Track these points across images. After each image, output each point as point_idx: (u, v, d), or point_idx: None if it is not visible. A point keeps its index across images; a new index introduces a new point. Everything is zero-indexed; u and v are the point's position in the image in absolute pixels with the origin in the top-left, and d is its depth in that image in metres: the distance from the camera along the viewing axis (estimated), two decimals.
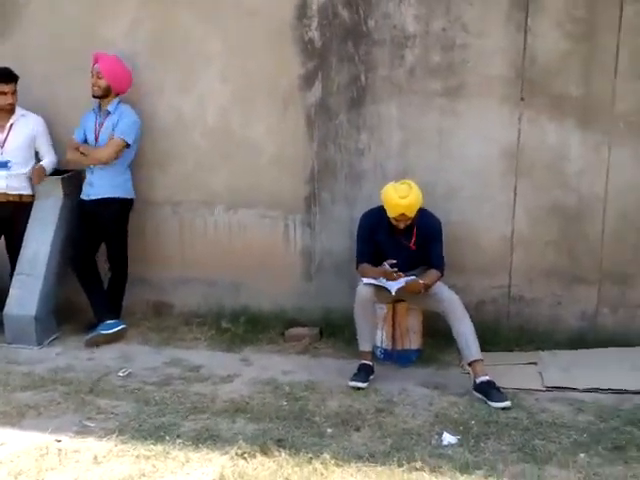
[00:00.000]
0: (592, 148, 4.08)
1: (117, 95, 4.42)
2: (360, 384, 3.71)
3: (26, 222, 4.47)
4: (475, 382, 3.60)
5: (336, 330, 4.39)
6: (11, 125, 4.47)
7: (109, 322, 4.37)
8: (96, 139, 4.42)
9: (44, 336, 4.35)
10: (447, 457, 3.01)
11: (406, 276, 3.79)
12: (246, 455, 2.99)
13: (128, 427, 3.25)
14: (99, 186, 4.42)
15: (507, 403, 3.46)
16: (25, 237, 4.44)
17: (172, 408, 3.46)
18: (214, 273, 4.65)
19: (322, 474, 2.87)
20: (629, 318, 4.13)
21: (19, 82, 4.48)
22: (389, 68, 4.26)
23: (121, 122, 4.37)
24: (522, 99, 4.11)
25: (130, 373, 3.90)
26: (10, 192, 4.46)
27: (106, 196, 4.42)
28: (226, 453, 3.02)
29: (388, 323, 4.08)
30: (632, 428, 3.22)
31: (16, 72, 4.47)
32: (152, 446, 3.07)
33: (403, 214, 3.71)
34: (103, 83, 4.33)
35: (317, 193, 4.50)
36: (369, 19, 4.26)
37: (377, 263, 3.86)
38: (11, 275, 4.52)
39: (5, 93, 4.39)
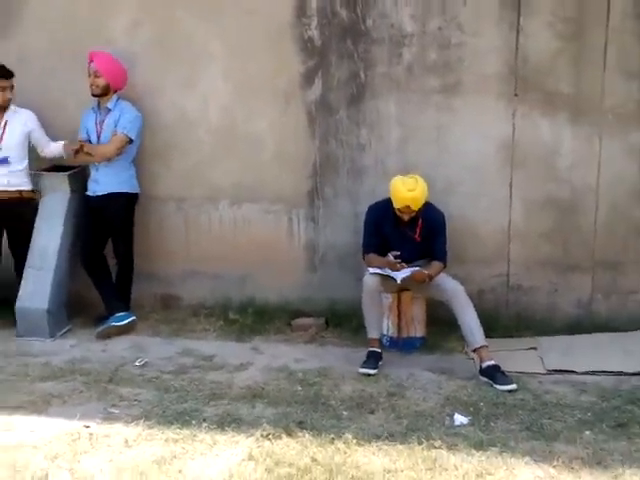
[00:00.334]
0: (584, 142, 4.28)
1: (115, 92, 4.50)
2: (370, 371, 3.86)
3: (27, 217, 4.53)
4: (481, 367, 3.77)
5: (341, 320, 4.54)
6: (6, 122, 4.51)
7: (120, 314, 4.46)
8: (98, 137, 4.50)
9: (56, 329, 4.43)
10: (461, 436, 3.18)
11: (410, 267, 3.95)
12: (271, 437, 3.13)
13: (153, 413, 3.37)
14: (105, 182, 4.51)
15: (513, 386, 3.64)
16: (34, 232, 4.51)
17: (192, 395, 3.59)
18: (220, 267, 4.75)
19: (345, 453, 3.02)
20: (621, 304, 4.35)
21: (22, 79, 4.53)
22: (387, 66, 4.41)
23: (123, 118, 4.45)
24: (516, 95, 4.29)
25: (146, 363, 4.01)
26: (10, 188, 4.52)
27: (112, 191, 4.50)
28: (251, 435, 3.15)
29: (393, 312, 4.24)
30: (633, 407, 3.42)
31: (18, 70, 4.52)
32: (179, 430, 3.19)
33: (408, 206, 3.88)
34: (101, 82, 4.40)
35: (320, 188, 4.63)
36: (367, 18, 4.41)
37: (383, 254, 4.01)
38: (16, 270, 4.58)
39: (4, 89, 4.44)
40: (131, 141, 4.48)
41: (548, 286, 4.41)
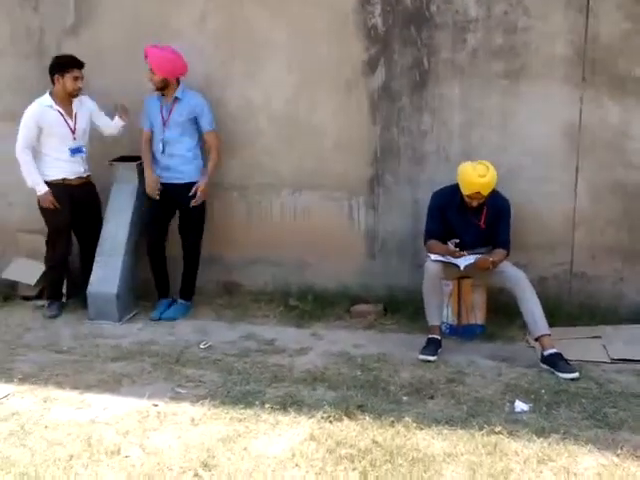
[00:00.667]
0: None
1: (178, 80, 4.57)
2: (430, 357, 3.87)
3: (94, 201, 4.75)
4: (543, 354, 3.74)
5: (400, 306, 4.57)
6: (75, 112, 4.65)
7: (182, 302, 4.66)
8: (164, 124, 4.58)
9: (124, 313, 4.61)
10: (522, 422, 3.17)
11: (472, 254, 3.94)
12: (331, 419, 3.19)
13: (217, 393, 3.48)
14: (184, 171, 4.61)
15: (576, 374, 3.60)
16: (104, 220, 4.70)
17: (255, 377, 3.68)
18: (280, 253, 4.84)
19: (405, 436, 3.05)
20: None
21: (94, 76, 4.69)
22: (451, 51, 4.39)
23: (203, 115, 4.55)
24: (584, 79, 4.20)
25: (210, 346, 4.13)
26: (85, 174, 4.71)
27: (192, 180, 4.61)
28: (312, 417, 3.22)
29: (454, 299, 4.24)
30: None
31: (90, 66, 4.68)
32: (243, 410, 3.29)
33: (478, 192, 3.86)
34: (157, 78, 4.48)
35: (380, 175, 4.65)
36: (431, 4, 4.38)
37: (445, 240, 4.01)
38: (82, 256, 4.79)
39: (77, 78, 4.55)
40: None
41: (613, 274, 4.32)
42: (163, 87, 4.52)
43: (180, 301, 4.73)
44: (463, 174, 3.91)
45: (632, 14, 4.07)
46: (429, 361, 3.86)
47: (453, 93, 4.41)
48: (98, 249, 4.66)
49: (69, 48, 4.87)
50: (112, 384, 3.62)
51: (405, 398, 3.44)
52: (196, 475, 2.82)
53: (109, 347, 4.12)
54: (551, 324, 3.86)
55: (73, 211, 4.65)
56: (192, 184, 4.59)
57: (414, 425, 3.12)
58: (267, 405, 3.33)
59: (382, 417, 3.20)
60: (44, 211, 4.59)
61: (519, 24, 4.25)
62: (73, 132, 4.61)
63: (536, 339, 3.81)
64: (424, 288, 3.98)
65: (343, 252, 4.76)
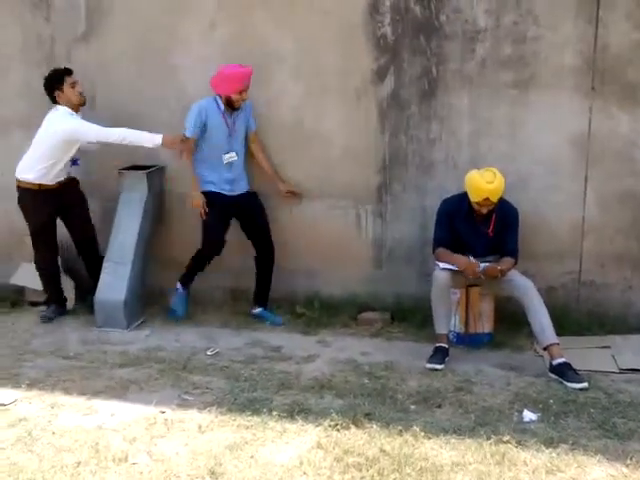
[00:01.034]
0: None
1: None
2: (437, 366, 3.86)
3: (77, 200, 4.77)
4: (551, 364, 3.72)
5: (407, 315, 4.57)
6: None
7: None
8: (230, 135, 4.54)
9: (132, 320, 4.61)
10: (531, 432, 3.15)
11: (481, 262, 3.94)
12: (339, 427, 3.18)
13: (224, 400, 3.48)
14: (245, 180, 4.67)
15: (585, 384, 3.58)
16: (114, 228, 4.71)
17: (262, 384, 3.68)
18: (287, 261, 4.83)
19: (413, 445, 3.04)
20: None
21: (103, 83, 4.71)
22: (460, 61, 4.40)
23: (251, 115, 4.62)
24: (593, 89, 4.20)
25: (217, 352, 4.13)
26: (64, 178, 4.68)
27: (248, 189, 4.68)
28: (320, 425, 3.21)
29: (461, 308, 4.23)
30: None
31: (100, 74, 4.73)
32: (250, 417, 3.28)
33: (487, 199, 3.86)
34: (245, 96, 4.45)
35: (388, 183, 4.66)
36: (440, 14, 4.40)
37: (454, 248, 4.00)
38: (85, 262, 4.85)
39: (77, 82, 4.56)
40: None
41: (622, 283, 4.31)
42: (229, 105, 4.50)
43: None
44: (471, 181, 3.92)
45: None
46: (436, 370, 3.85)
47: (462, 102, 4.42)
48: (107, 256, 4.67)
49: (79, 56, 4.92)
50: (119, 390, 3.62)
51: (413, 407, 3.43)
52: None
53: (116, 353, 4.13)
54: (559, 333, 3.84)
55: (54, 213, 4.66)
56: (253, 192, 4.69)
57: (422, 434, 3.11)
58: (274, 413, 3.32)
59: (390, 426, 3.19)
60: (24, 210, 4.62)
61: (528, 34, 4.26)
62: None
63: (544, 348, 3.80)
64: (432, 296, 3.98)
65: (350, 260, 4.76)
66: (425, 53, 4.45)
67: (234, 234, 4.79)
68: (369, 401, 3.47)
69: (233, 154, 4.58)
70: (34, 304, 4.94)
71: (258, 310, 4.72)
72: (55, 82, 4.52)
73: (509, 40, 4.29)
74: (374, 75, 4.55)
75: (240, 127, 4.59)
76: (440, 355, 3.92)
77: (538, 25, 4.24)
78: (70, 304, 4.91)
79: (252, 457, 2.98)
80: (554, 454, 2.96)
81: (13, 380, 3.75)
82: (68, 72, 4.55)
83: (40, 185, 4.56)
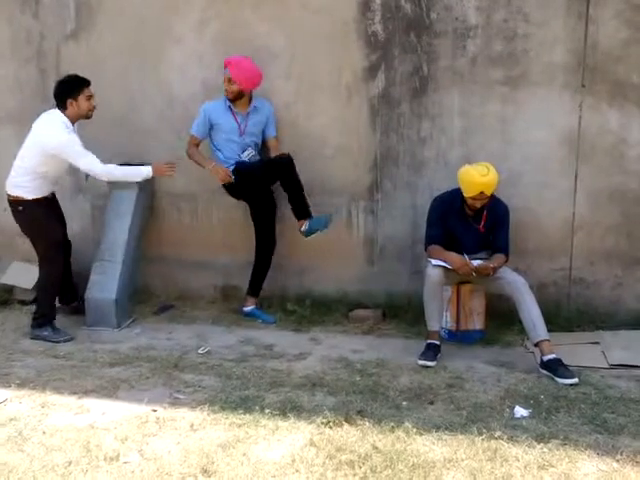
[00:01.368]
0: None
1: (250, 91, 4.52)
2: (429, 362, 3.87)
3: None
4: (542, 360, 3.73)
5: (398, 312, 4.58)
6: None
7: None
8: (242, 134, 4.54)
9: (122, 319, 4.59)
10: (522, 428, 3.16)
11: (472, 260, 3.95)
12: (331, 424, 3.17)
13: (216, 399, 3.46)
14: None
15: (575, 380, 3.59)
16: (104, 226, 4.69)
17: (253, 382, 3.67)
18: (279, 258, 4.82)
19: (405, 441, 3.04)
20: None
21: (94, 81, 4.65)
22: (451, 58, 4.40)
23: (272, 121, 4.62)
24: (583, 86, 4.22)
25: (209, 351, 4.12)
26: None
27: None
28: (312, 422, 3.20)
29: (453, 304, 4.24)
30: None
31: (90, 71, 4.62)
32: (242, 415, 3.27)
33: (482, 192, 3.87)
34: (235, 88, 4.44)
35: (380, 181, 4.66)
36: (431, 11, 4.40)
37: (445, 245, 4.01)
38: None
39: (92, 96, 4.34)
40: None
41: (612, 280, 4.33)
42: (237, 97, 4.49)
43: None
44: (465, 176, 3.93)
45: (631, 21, 4.10)
46: (428, 366, 3.85)
47: (453, 100, 4.43)
48: (97, 255, 4.65)
49: (69, 53, 4.90)
50: (110, 389, 3.60)
51: (405, 403, 3.43)
52: None
53: (107, 352, 4.11)
54: (550, 329, 3.85)
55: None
56: None
57: (414, 431, 3.11)
58: (266, 410, 3.31)
59: (382, 422, 3.19)
60: (38, 227, 4.35)
61: (519, 31, 4.27)
62: None
63: (535, 344, 3.81)
64: (425, 293, 3.98)
65: (342, 257, 4.76)
66: (416, 50, 4.46)
67: (225, 231, 4.79)
68: (361, 398, 3.47)
69: (250, 150, 4.58)
70: (23, 303, 4.91)
71: (249, 308, 4.71)
72: (72, 90, 4.25)
73: (500, 37, 4.30)
74: (365, 73, 4.56)
75: (253, 129, 4.56)
76: (432, 352, 3.93)
77: (528, 22, 4.25)
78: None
79: (244, 455, 2.97)
80: (545, 449, 2.97)
81: (3, 379, 3.72)
82: (87, 83, 4.30)
83: (45, 198, 4.39)
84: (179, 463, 2.92)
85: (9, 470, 2.88)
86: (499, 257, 3.98)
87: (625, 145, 4.21)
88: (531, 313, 3.81)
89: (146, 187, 4.81)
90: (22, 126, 4.58)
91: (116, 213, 4.69)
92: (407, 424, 3.16)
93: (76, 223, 5.04)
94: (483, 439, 3.04)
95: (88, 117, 4.37)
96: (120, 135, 4.89)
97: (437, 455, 2.94)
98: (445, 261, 3.94)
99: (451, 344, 4.16)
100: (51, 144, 4.19)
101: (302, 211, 4.54)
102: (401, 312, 4.56)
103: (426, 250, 4.11)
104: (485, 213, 4.02)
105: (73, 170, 4.74)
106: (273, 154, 4.64)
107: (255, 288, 4.72)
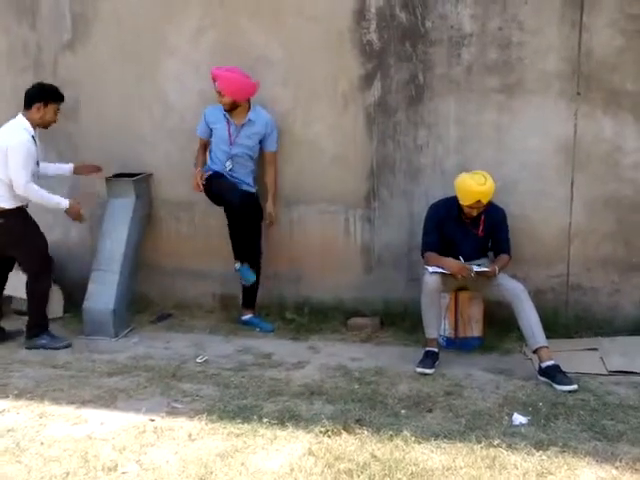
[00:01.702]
0: None
1: (248, 101, 4.51)
2: (427, 370, 3.87)
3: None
4: (540, 367, 3.74)
5: (396, 319, 4.59)
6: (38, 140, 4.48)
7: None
8: (231, 142, 4.52)
9: (120, 329, 4.59)
10: (521, 435, 3.16)
11: (473, 265, 3.96)
12: (330, 433, 3.17)
13: (214, 408, 3.46)
14: (243, 185, 4.60)
15: (574, 386, 3.59)
16: (100, 235, 4.69)
17: (252, 391, 3.66)
18: (276, 267, 4.84)
19: (404, 450, 3.04)
20: None
21: (91, 90, 4.68)
22: (446, 66, 4.42)
23: (271, 135, 4.57)
24: (578, 94, 4.24)
25: (207, 360, 4.12)
26: None
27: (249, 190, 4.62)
28: (310, 431, 3.20)
29: (451, 312, 4.24)
30: None
31: (88, 81, 4.68)
32: (240, 425, 3.27)
33: (479, 201, 3.90)
34: (227, 100, 4.44)
35: (376, 189, 4.67)
36: (426, 20, 4.43)
37: (444, 252, 4.03)
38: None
39: (59, 110, 4.42)
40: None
41: (609, 286, 4.34)
42: (232, 108, 4.47)
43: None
44: (462, 185, 3.94)
45: (625, 30, 4.12)
46: (426, 374, 3.85)
47: (449, 108, 4.44)
48: (94, 264, 4.65)
49: (66, 64, 4.92)
50: (108, 399, 3.59)
51: (403, 412, 3.43)
52: None
53: (105, 362, 4.11)
54: (548, 336, 3.86)
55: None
56: (251, 193, 4.61)
57: (413, 439, 3.11)
58: (265, 420, 3.31)
59: (380, 431, 3.19)
60: (27, 238, 4.33)
61: (513, 39, 4.29)
62: (38, 163, 4.43)
63: (534, 351, 3.81)
64: (422, 301, 3.98)
65: (339, 265, 4.76)
66: (411, 59, 4.48)
67: (223, 240, 4.79)
68: (360, 406, 3.47)
69: (230, 163, 4.55)
70: (20, 313, 4.89)
71: (247, 317, 4.71)
72: (47, 97, 4.32)
73: (495, 45, 4.32)
74: (361, 81, 4.57)
75: (246, 140, 4.53)
76: (430, 359, 3.93)
77: (523, 30, 4.27)
78: (59, 313, 4.86)
79: (243, 465, 2.96)
80: (544, 457, 2.97)
81: (1, 390, 3.72)
82: (62, 99, 4.39)
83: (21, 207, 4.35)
84: (177, 473, 2.91)
85: None
86: (503, 257, 4.04)
87: (620, 153, 4.23)
88: (530, 320, 3.82)
89: (143, 195, 4.82)
90: None
91: (113, 222, 4.70)
92: (406, 432, 3.16)
93: (74, 232, 5.05)
94: (482, 447, 3.04)
95: (46, 127, 4.42)
96: (117, 144, 4.90)
97: (436, 463, 2.93)
98: (443, 267, 3.95)
99: (449, 351, 4.16)
100: (10, 144, 4.20)
101: (248, 303, 4.70)
102: (399, 320, 4.57)
103: (423, 257, 4.11)
104: (483, 218, 4.04)
105: (69, 178, 4.76)
106: (268, 169, 4.65)
107: (249, 301, 4.73)
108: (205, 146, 4.67)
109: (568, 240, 4.36)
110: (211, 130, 4.60)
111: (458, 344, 4.24)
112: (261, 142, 4.61)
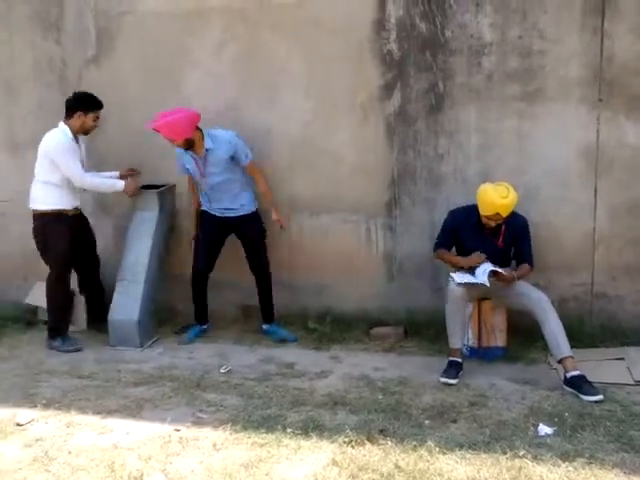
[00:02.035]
0: None
1: (201, 132, 4.46)
2: (451, 380, 3.85)
3: (88, 232, 4.84)
4: (566, 377, 3.70)
5: (420, 329, 4.57)
6: (82, 146, 4.72)
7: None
8: (202, 175, 4.54)
9: (145, 339, 4.64)
10: (547, 446, 3.13)
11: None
12: (353, 443, 3.17)
13: (239, 418, 3.48)
14: (236, 207, 4.61)
15: (600, 396, 3.56)
16: (126, 246, 4.75)
17: (275, 401, 3.68)
18: (299, 276, 4.86)
19: (428, 460, 3.03)
20: None
21: (115, 102, 4.76)
22: (467, 75, 4.43)
23: (237, 152, 4.48)
24: (600, 100, 4.21)
25: (230, 370, 4.15)
26: (79, 207, 4.78)
27: (247, 212, 4.65)
28: (334, 441, 3.21)
29: (474, 321, 4.23)
30: None
31: (112, 95, 4.77)
32: (264, 435, 3.29)
33: (498, 213, 3.88)
34: (179, 143, 4.41)
35: (397, 197, 4.68)
36: (446, 29, 4.44)
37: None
38: (83, 286, 4.93)
39: (99, 118, 4.64)
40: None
41: (635, 294, 4.29)
42: (190, 146, 4.45)
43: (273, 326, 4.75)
44: (484, 195, 3.93)
45: None
46: (450, 384, 3.84)
47: (469, 116, 4.44)
48: (119, 275, 4.71)
49: (90, 78, 5.00)
50: (134, 409, 3.64)
51: (427, 422, 3.42)
52: None
53: (130, 372, 4.15)
54: (573, 346, 3.83)
55: (72, 241, 4.64)
56: (248, 215, 4.62)
57: (437, 449, 3.10)
58: (288, 430, 3.32)
59: (404, 441, 3.19)
60: (47, 240, 4.56)
61: (534, 47, 4.29)
62: (83, 166, 4.63)
63: (559, 361, 3.78)
64: (447, 310, 3.97)
65: (361, 274, 4.77)
66: (431, 68, 4.49)
67: (242, 250, 4.82)
68: (383, 417, 3.47)
69: (206, 198, 4.63)
70: (47, 323, 4.97)
71: (267, 326, 4.73)
72: (87, 105, 4.53)
73: (515, 54, 4.32)
74: (381, 91, 4.59)
75: (214, 169, 4.50)
76: (454, 369, 3.92)
77: (543, 38, 4.26)
78: (84, 324, 4.94)
79: (267, 475, 2.98)
80: (570, 468, 2.94)
81: (30, 400, 3.78)
82: (101, 106, 4.59)
83: (60, 211, 4.59)
84: None
85: None
86: (524, 267, 4.04)
87: None
88: (554, 330, 3.79)
89: (167, 206, 4.87)
90: None
91: (138, 234, 4.75)
92: (430, 443, 3.15)
93: (98, 243, 5.10)
94: (507, 458, 3.02)
95: (86, 133, 4.66)
96: (140, 155, 4.95)
97: (460, 474, 2.92)
98: (454, 263, 4.05)
99: (473, 361, 4.14)
100: (50, 148, 4.50)
101: (266, 315, 4.76)
102: (422, 329, 4.55)
103: (434, 253, 4.24)
104: (503, 228, 4.03)
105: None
106: (258, 180, 4.63)
107: (267, 314, 4.75)
108: (194, 187, 4.75)
109: (592, 247, 4.32)
110: (188, 169, 4.61)
111: (481, 354, 4.22)
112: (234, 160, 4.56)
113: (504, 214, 3.90)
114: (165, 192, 4.87)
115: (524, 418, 3.42)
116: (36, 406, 3.70)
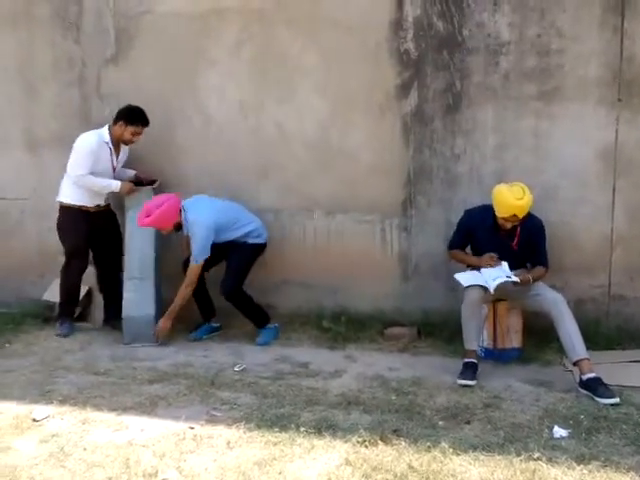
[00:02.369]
0: None
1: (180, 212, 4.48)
2: (469, 382, 3.82)
3: (113, 227, 4.95)
4: (582, 379, 3.67)
5: (434, 329, 4.56)
6: (120, 152, 4.84)
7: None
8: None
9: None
10: (561, 449, 3.11)
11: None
12: (367, 443, 3.17)
13: (252, 416, 3.48)
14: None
15: (616, 399, 3.52)
16: (126, 244, 4.79)
17: (289, 400, 3.68)
18: (314, 276, 4.86)
19: (442, 462, 3.01)
20: None
21: (137, 102, 4.77)
22: (484, 75, 4.41)
23: (194, 243, 4.43)
24: (619, 100, 4.17)
25: (244, 368, 4.15)
26: (104, 204, 4.89)
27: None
28: (348, 441, 3.20)
29: (489, 322, 4.20)
30: None
31: (132, 95, 4.82)
32: (278, 433, 3.29)
33: (515, 215, 3.85)
34: (169, 230, 4.51)
35: (413, 197, 4.66)
36: (463, 28, 4.42)
37: None
38: (102, 283, 5.02)
39: (139, 134, 4.72)
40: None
41: None
42: (179, 228, 4.51)
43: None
44: (499, 196, 3.91)
45: None
46: (469, 386, 3.80)
47: (486, 116, 4.43)
48: (126, 274, 4.72)
49: (109, 78, 5.03)
50: (149, 406, 3.65)
51: (441, 423, 3.40)
52: None
53: (145, 369, 4.17)
54: (589, 347, 3.79)
55: (90, 235, 4.76)
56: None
57: (450, 450, 3.09)
58: (302, 429, 3.32)
59: (418, 442, 3.17)
60: (63, 231, 4.77)
61: (552, 46, 4.26)
62: (114, 170, 4.76)
63: (574, 363, 3.75)
64: (463, 312, 3.95)
65: (376, 274, 4.76)
66: (448, 67, 4.47)
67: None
68: (397, 417, 3.45)
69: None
70: None
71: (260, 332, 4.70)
72: (129, 117, 4.63)
73: (533, 53, 4.30)
74: (398, 90, 4.58)
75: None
76: (471, 371, 3.89)
77: (562, 37, 4.24)
78: (100, 322, 4.98)
79: (280, 473, 2.98)
80: (585, 471, 2.91)
81: (46, 396, 3.81)
82: (146, 123, 4.68)
83: (80, 207, 4.72)
84: None
85: None
86: (539, 269, 4.01)
87: None
88: (569, 331, 3.76)
89: None
90: (64, 149, 4.74)
91: (137, 231, 4.66)
92: (443, 444, 3.13)
93: None
94: (521, 460, 3.00)
95: (125, 144, 4.78)
96: (158, 155, 4.98)
97: (474, 476, 2.91)
98: (467, 263, 4.10)
99: (487, 362, 4.11)
100: (77, 142, 4.64)
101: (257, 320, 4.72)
102: (437, 330, 4.54)
103: (448, 252, 4.28)
104: (519, 230, 4.00)
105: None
106: (185, 280, 4.52)
107: (258, 322, 4.70)
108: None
109: (610, 248, 4.29)
110: None
111: (497, 355, 4.19)
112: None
113: (520, 215, 3.87)
114: (160, 188, 4.84)
115: (539, 420, 3.40)
116: (52, 402, 3.73)
